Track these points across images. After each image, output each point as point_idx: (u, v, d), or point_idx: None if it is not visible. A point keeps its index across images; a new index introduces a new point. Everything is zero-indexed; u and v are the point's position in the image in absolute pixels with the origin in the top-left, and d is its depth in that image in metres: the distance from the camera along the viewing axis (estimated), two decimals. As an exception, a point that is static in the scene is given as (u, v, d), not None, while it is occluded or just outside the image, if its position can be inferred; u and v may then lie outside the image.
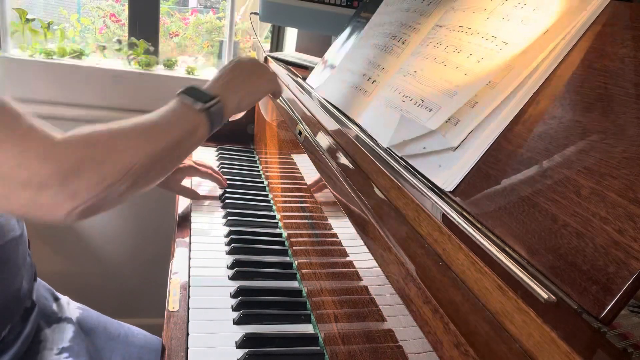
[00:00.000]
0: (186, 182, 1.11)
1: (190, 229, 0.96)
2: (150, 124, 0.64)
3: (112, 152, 0.57)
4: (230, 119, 0.84)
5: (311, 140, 0.81)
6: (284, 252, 0.93)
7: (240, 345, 0.68)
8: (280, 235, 0.99)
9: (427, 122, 0.58)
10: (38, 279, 0.91)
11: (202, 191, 1.12)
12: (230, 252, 0.90)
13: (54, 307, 0.89)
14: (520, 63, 0.55)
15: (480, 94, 0.56)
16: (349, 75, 0.89)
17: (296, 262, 0.89)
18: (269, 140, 1.23)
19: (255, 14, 1.57)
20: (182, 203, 1.08)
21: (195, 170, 1.08)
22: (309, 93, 0.95)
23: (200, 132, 0.70)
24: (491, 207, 0.49)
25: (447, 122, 0.56)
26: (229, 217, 1.01)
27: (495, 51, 0.58)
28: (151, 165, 0.62)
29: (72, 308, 0.92)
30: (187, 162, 1.07)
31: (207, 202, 1.09)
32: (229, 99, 0.75)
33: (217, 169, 1.26)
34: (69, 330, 0.85)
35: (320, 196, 0.80)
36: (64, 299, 0.94)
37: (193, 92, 0.71)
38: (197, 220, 1.00)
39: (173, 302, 0.73)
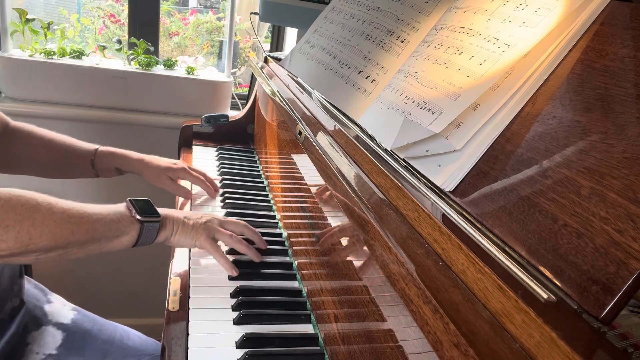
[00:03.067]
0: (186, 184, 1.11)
1: (190, 229, 0.96)
2: (80, 214, 0.68)
3: (22, 222, 0.61)
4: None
5: (311, 140, 0.81)
6: (284, 252, 0.93)
7: (240, 345, 0.68)
8: (280, 235, 0.99)
9: (430, 125, 0.58)
10: (27, 277, 0.91)
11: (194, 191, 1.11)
12: (230, 252, 0.90)
13: (46, 308, 0.88)
14: (522, 65, 0.55)
15: (482, 96, 0.56)
16: (321, 54, 0.89)
17: (296, 262, 0.89)
18: (269, 140, 1.23)
19: (256, 14, 1.57)
20: (182, 204, 1.07)
21: (187, 174, 1.08)
22: (309, 93, 0.95)
23: (124, 239, 0.73)
24: (491, 207, 0.49)
25: (450, 124, 0.56)
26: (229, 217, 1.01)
27: (498, 53, 0.58)
28: (57, 249, 0.66)
29: (66, 310, 0.91)
30: (180, 164, 1.08)
31: (206, 202, 1.09)
32: (167, 228, 0.79)
33: (216, 169, 1.27)
34: (57, 337, 0.84)
35: (321, 197, 0.80)
36: (58, 300, 0.93)
37: (142, 203, 0.77)
38: (197, 220, 1.00)
39: (173, 302, 0.73)
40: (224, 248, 0.87)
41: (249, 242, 0.87)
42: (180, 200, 1.07)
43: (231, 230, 0.85)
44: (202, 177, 1.10)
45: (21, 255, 0.63)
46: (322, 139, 0.78)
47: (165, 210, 0.81)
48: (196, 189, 1.12)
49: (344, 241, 0.67)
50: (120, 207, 0.75)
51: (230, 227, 0.86)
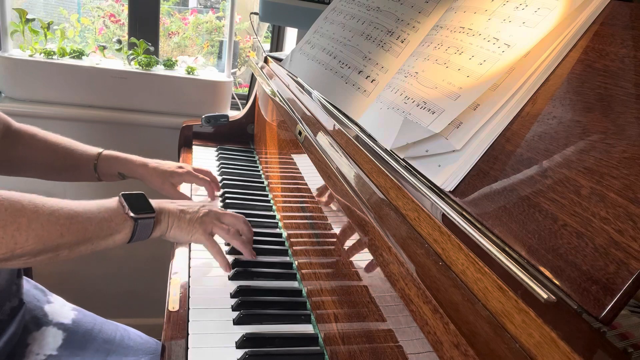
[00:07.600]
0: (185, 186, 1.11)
1: (190, 229, 0.96)
2: (69, 214, 0.66)
3: (6, 227, 0.60)
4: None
5: (311, 140, 0.81)
6: (284, 252, 0.93)
7: (240, 345, 0.68)
8: (280, 235, 0.99)
9: (430, 125, 0.58)
10: (27, 278, 0.91)
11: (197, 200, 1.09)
12: (230, 252, 0.90)
13: (46, 308, 0.88)
14: (522, 65, 0.55)
15: (482, 96, 0.56)
16: (322, 54, 0.90)
17: (296, 262, 0.89)
18: (269, 140, 1.23)
19: (256, 13, 1.57)
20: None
21: (193, 177, 1.07)
22: (309, 93, 0.95)
23: (117, 238, 0.72)
24: (491, 207, 0.49)
25: (449, 124, 0.56)
26: (229, 217, 1.01)
27: (498, 53, 0.58)
28: (46, 252, 0.64)
29: (66, 310, 0.90)
30: (187, 167, 1.07)
31: (207, 202, 1.09)
32: (163, 222, 0.78)
33: (216, 169, 1.27)
34: (58, 337, 0.84)
35: (320, 197, 0.80)
36: (58, 300, 0.93)
37: (135, 198, 0.75)
38: (197, 220, 1.00)
39: (173, 302, 0.73)
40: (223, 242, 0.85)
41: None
42: None
43: (228, 224, 0.84)
44: (207, 179, 1.09)
45: (8, 260, 0.62)
46: (322, 139, 0.78)
47: (160, 202, 0.79)
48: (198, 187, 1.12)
49: (344, 241, 0.67)
50: (113, 203, 0.74)
51: (228, 221, 0.84)
